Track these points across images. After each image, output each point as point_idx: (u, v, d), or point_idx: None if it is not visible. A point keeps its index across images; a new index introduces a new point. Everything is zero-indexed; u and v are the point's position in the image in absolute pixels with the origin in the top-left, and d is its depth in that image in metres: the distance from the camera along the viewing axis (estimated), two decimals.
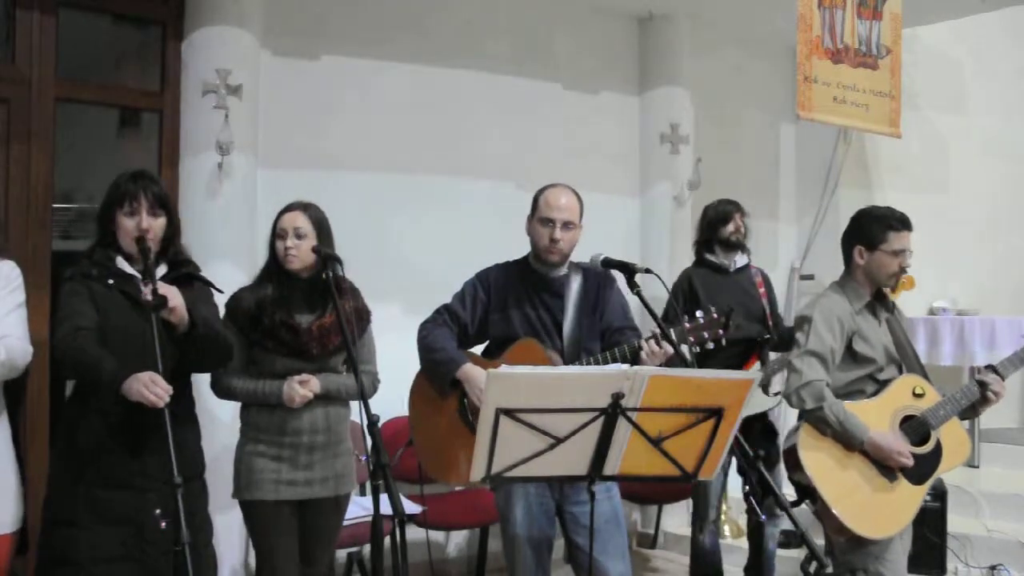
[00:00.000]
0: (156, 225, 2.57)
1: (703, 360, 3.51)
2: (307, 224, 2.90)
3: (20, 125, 3.79)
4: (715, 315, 2.84)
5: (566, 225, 2.90)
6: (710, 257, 4.08)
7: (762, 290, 4.11)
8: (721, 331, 2.83)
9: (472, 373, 2.83)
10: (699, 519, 4.02)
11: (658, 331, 2.70)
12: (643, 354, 2.75)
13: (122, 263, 2.57)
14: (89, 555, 2.42)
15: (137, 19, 4.26)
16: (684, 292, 3.95)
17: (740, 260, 4.10)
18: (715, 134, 5.60)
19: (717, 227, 4.07)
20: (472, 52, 4.87)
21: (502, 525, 2.96)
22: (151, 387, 2.31)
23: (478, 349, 3.07)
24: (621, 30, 5.40)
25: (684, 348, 2.73)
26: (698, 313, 2.86)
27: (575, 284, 2.98)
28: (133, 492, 2.46)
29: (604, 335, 2.98)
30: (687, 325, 2.83)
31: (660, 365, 2.76)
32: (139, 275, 2.55)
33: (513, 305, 2.95)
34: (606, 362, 2.81)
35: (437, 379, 2.93)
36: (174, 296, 2.45)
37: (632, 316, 3.09)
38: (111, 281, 2.52)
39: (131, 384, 2.33)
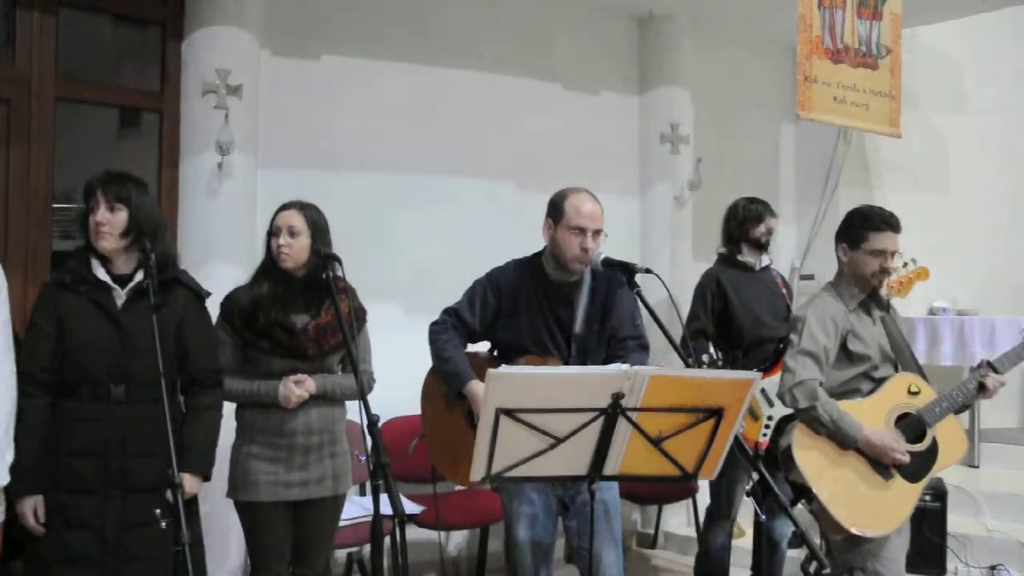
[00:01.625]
0: (114, 220, 2.53)
1: (734, 362, 3.54)
2: (301, 223, 2.88)
3: (20, 125, 3.79)
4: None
5: (596, 233, 2.86)
6: (737, 256, 4.01)
7: (784, 291, 4.10)
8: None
9: (476, 391, 2.81)
10: (716, 518, 3.95)
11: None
12: None
13: (97, 268, 2.55)
14: (56, 556, 2.45)
15: (137, 19, 4.25)
16: (713, 292, 3.89)
17: (764, 259, 4.07)
18: (715, 134, 5.60)
19: (750, 228, 4.00)
20: (472, 52, 4.87)
21: (506, 525, 2.96)
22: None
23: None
24: (621, 30, 5.39)
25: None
26: (704, 357, 2.87)
27: (585, 287, 2.95)
28: (95, 498, 2.47)
29: (610, 343, 2.96)
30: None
31: None
32: (113, 284, 2.54)
33: (523, 312, 2.91)
34: None
35: (445, 387, 2.94)
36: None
37: (641, 323, 3.02)
38: (83, 289, 2.52)
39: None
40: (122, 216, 2.54)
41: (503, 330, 2.95)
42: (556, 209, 2.91)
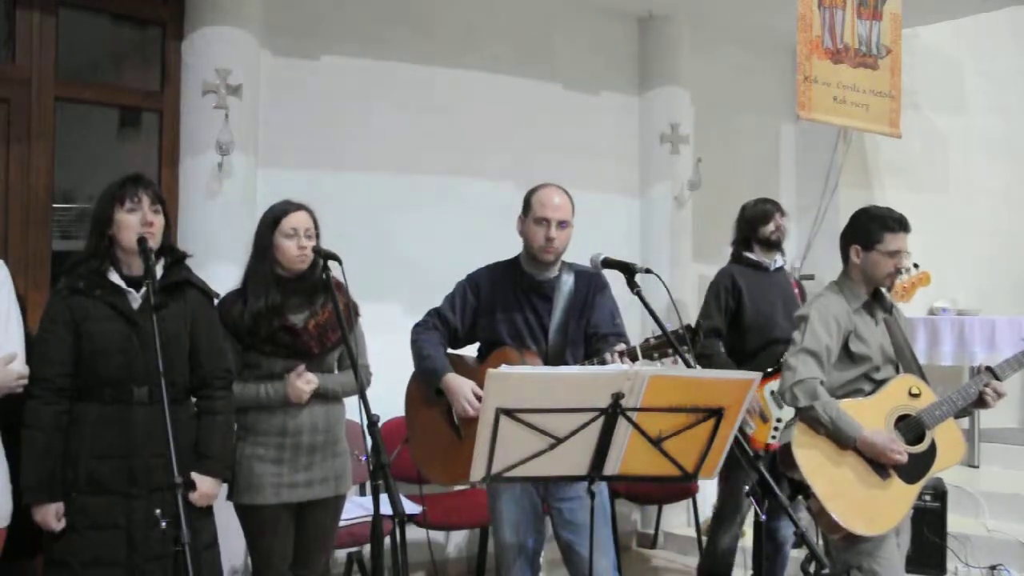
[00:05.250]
0: (157, 222, 2.58)
1: (742, 362, 3.52)
2: (313, 224, 2.89)
3: (20, 125, 3.79)
4: (679, 330, 2.64)
5: (561, 224, 2.91)
6: (749, 255, 4.01)
7: (796, 291, 4.09)
8: (686, 348, 2.59)
9: (453, 384, 2.84)
10: (724, 520, 3.93)
11: (624, 347, 2.68)
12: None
13: (113, 274, 2.55)
14: (80, 558, 2.45)
15: (137, 19, 4.26)
16: (727, 289, 3.88)
17: (778, 260, 4.05)
18: (715, 134, 5.60)
19: (757, 226, 3.99)
20: (472, 52, 4.87)
21: (491, 526, 2.99)
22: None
23: (472, 349, 3.08)
24: (621, 30, 5.39)
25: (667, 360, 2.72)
26: (668, 326, 2.66)
27: (565, 286, 2.97)
28: (120, 498, 2.48)
29: (590, 340, 2.96)
30: (651, 340, 2.72)
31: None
32: (127, 288, 2.54)
33: (500, 309, 2.95)
34: None
35: (425, 385, 2.96)
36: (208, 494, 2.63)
37: (621, 322, 3.02)
38: (98, 292, 2.52)
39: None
40: (161, 219, 2.60)
41: (483, 329, 2.98)
42: (526, 203, 2.99)
